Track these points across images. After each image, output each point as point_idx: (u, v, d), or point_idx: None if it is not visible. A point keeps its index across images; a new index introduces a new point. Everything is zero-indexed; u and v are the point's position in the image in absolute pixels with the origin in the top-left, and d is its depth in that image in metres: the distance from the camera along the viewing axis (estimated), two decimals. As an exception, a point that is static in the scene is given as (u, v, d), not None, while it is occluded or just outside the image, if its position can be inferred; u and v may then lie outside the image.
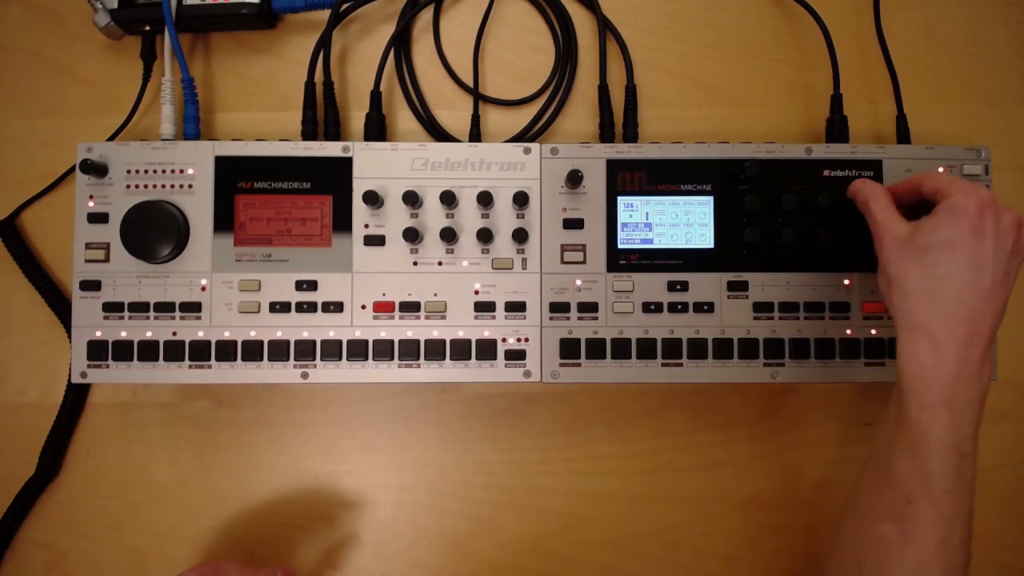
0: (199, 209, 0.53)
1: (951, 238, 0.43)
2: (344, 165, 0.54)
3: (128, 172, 0.53)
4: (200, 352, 0.52)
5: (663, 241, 0.54)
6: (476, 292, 0.53)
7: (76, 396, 0.58)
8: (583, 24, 0.61)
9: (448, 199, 0.53)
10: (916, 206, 0.49)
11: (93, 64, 0.61)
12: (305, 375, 0.53)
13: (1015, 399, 0.60)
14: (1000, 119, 0.62)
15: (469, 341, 0.53)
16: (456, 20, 0.62)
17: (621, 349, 0.53)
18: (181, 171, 0.53)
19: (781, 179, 0.54)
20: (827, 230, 0.53)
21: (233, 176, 0.53)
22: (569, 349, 0.53)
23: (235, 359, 0.53)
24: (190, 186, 0.53)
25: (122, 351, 0.52)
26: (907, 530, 0.43)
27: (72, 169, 0.59)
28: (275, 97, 0.61)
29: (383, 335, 0.53)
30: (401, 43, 0.61)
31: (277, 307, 0.53)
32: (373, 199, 0.52)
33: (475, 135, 0.58)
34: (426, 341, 0.53)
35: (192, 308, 0.53)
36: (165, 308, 0.53)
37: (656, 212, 0.54)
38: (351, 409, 0.59)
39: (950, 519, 0.42)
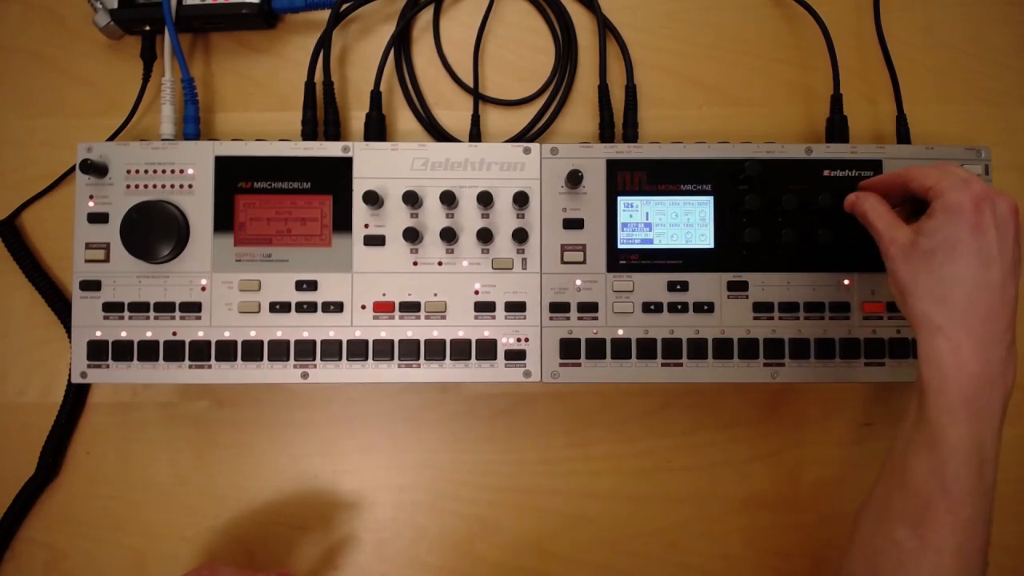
0: (199, 209, 0.53)
1: (952, 238, 0.43)
2: (344, 165, 0.54)
3: (128, 172, 0.53)
4: (200, 352, 0.52)
5: (663, 241, 0.54)
6: (476, 292, 0.53)
7: (76, 396, 0.58)
8: (583, 24, 0.61)
9: (448, 199, 0.53)
10: (910, 200, 0.48)
11: (93, 64, 0.61)
12: (305, 375, 0.53)
13: (1015, 399, 0.60)
14: (1000, 119, 0.61)
15: (469, 341, 0.53)
16: (456, 20, 0.62)
17: (621, 349, 0.53)
18: (181, 171, 0.53)
19: (781, 179, 0.54)
20: (827, 230, 0.53)
21: (233, 176, 0.53)
22: (569, 349, 0.53)
23: (235, 359, 0.53)
24: (190, 186, 0.53)
25: (122, 351, 0.52)
26: (924, 535, 0.42)
27: (72, 169, 0.59)
28: (275, 97, 0.61)
29: (383, 335, 0.53)
30: (401, 43, 0.61)
31: (277, 307, 0.53)
32: (373, 199, 0.52)
33: (475, 135, 0.58)
34: (426, 341, 0.53)
35: (192, 308, 0.53)
36: (165, 308, 0.53)
37: (656, 212, 0.54)
38: (351, 409, 0.59)
39: (968, 525, 0.41)
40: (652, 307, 0.53)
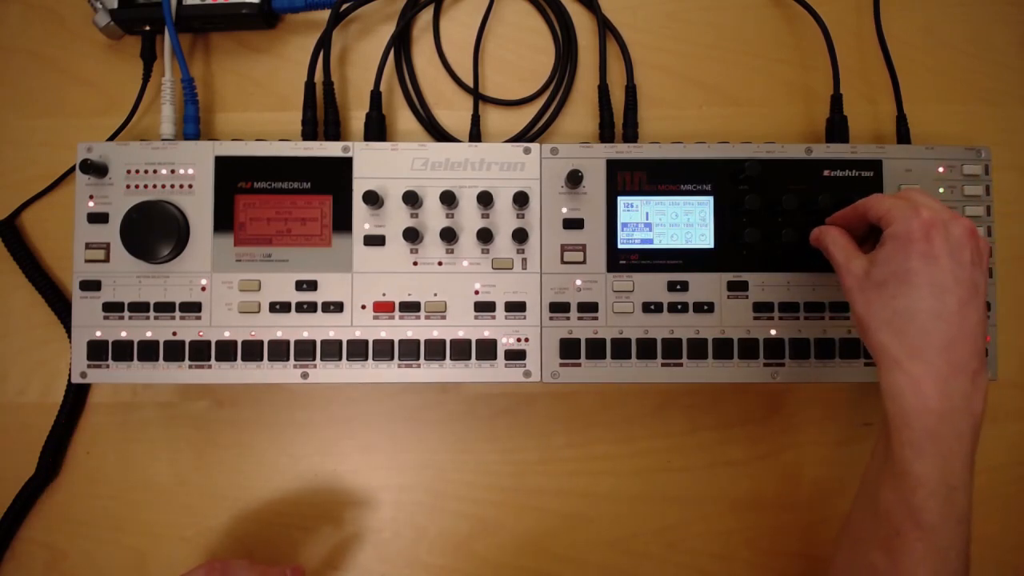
0: (199, 209, 0.53)
1: (903, 268, 0.41)
2: (344, 165, 0.54)
3: (128, 172, 0.53)
4: (200, 352, 0.52)
5: (663, 241, 0.54)
6: (476, 292, 0.53)
7: (76, 396, 0.58)
8: (583, 24, 0.61)
9: (448, 199, 0.53)
10: (875, 231, 0.47)
11: (93, 64, 0.61)
12: (305, 375, 0.53)
13: (1015, 399, 0.60)
14: (1000, 119, 0.61)
15: (469, 341, 0.53)
16: (456, 20, 0.62)
17: (621, 349, 0.53)
18: (181, 171, 0.53)
19: (781, 179, 0.54)
20: (827, 230, 0.53)
21: (233, 176, 0.53)
22: (569, 349, 0.53)
23: (235, 359, 0.53)
24: (190, 186, 0.53)
25: (122, 351, 0.52)
26: (897, 561, 0.41)
27: (72, 169, 0.59)
28: (275, 97, 0.61)
29: (383, 335, 0.53)
30: (401, 43, 0.61)
31: (277, 307, 0.53)
32: (373, 199, 0.52)
33: (475, 135, 0.58)
34: (426, 341, 0.53)
35: (192, 308, 0.53)
36: (165, 308, 0.53)
37: (656, 212, 0.54)
38: (351, 409, 0.59)
39: (942, 552, 0.40)
40: (652, 307, 0.53)
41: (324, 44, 0.57)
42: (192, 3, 0.57)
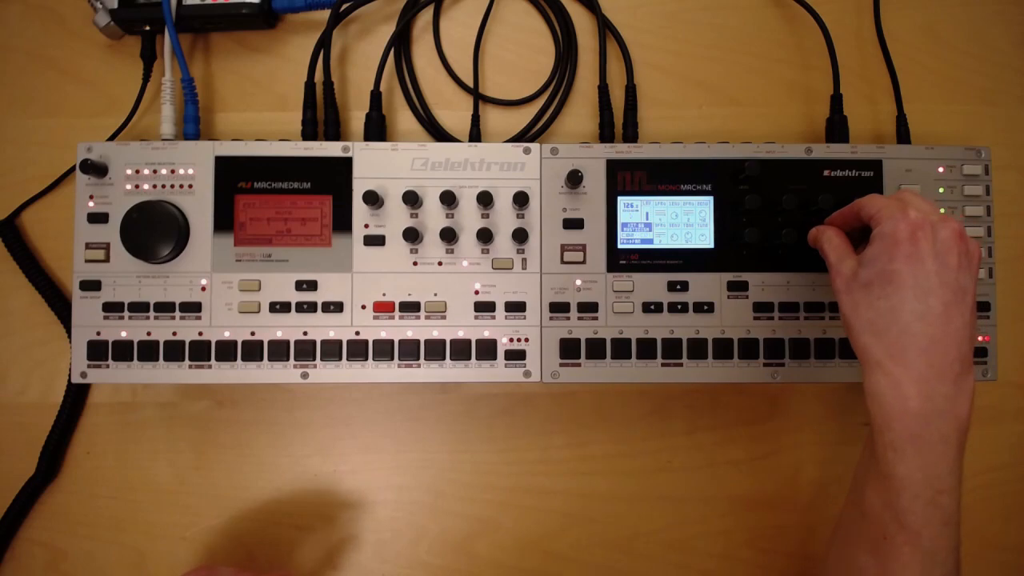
0: (199, 209, 0.53)
1: (888, 269, 0.41)
2: (344, 165, 0.54)
3: (128, 172, 0.53)
4: (200, 352, 0.52)
5: (663, 241, 0.54)
6: (476, 292, 0.53)
7: (76, 396, 0.58)
8: (583, 24, 0.61)
9: (448, 199, 0.53)
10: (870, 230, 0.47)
11: (93, 64, 0.61)
12: (305, 375, 0.53)
13: (1015, 399, 0.60)
14: (1000, 119, 0.61)
15: (469, 341, 0.53)
16: (456, 20, 0.62)
17: (621, 349, 0.53)
18: (181, 171, 0.53)
19: (781, 179, 0.54)
20: (827, 230, 0.53)
21: (233, 176, 0.53)
22: (569, 349, 0.53)
23: (235, 359, 0.53)
24: (190, 186, 0.53)
25: (122, 351, 0.52)
26: (886, 563, 0.41)
27: (72, 169, 0.59)
28: (275, 97, 0.61)
29: (383, 335, 0.53)
30: (401, 43, 0.61)
31: (277, 307, 0.53)
32: (373, 199, 0.52)
33: (475, 135, 0.58)
34: (426, 341, 0.53)
35: (192, 308, 0.53)
36: (165, 308, 0.53)
37: (656, 212, 0.54)
38: (351, 409, 0.59)
39: (929, 554, 0.40)
40: (652, 307, 0.53)
41: (324, 44, 0.57)
42: (192, 3, 0.57)
